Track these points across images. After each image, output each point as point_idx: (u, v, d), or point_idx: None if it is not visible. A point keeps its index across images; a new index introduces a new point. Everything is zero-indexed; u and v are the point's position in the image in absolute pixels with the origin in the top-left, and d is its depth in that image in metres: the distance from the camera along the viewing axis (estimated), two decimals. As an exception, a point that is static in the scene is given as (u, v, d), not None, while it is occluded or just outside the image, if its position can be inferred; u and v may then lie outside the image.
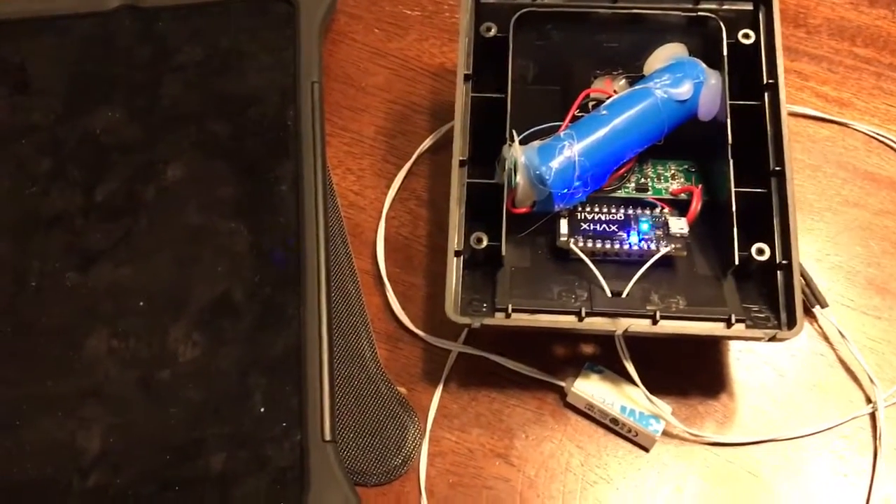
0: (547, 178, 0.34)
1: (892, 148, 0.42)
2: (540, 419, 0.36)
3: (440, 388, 0.37)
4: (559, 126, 0.37)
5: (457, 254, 0.34)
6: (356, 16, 0.47)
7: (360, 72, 0.45)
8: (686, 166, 0.38)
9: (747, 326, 0.33)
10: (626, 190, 0.38)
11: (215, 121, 0.41)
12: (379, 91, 0.44)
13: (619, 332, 0.33)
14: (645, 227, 0.36)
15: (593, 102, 0.38)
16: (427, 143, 0.42)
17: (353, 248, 0.40)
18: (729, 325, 0.33)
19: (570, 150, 0.35)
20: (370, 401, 0.36)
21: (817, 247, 0.40)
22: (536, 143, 0.36)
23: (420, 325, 0.38)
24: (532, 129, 0.37)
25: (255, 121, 0.41)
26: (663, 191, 0.38)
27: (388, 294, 0.39)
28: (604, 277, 0.34)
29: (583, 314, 0.33)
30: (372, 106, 0.44)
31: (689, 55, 0.38)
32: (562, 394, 0.36)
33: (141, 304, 0.37)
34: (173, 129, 0.41)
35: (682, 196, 0.37)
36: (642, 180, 0.38)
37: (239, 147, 0.41)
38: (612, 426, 0.35)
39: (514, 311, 0.33)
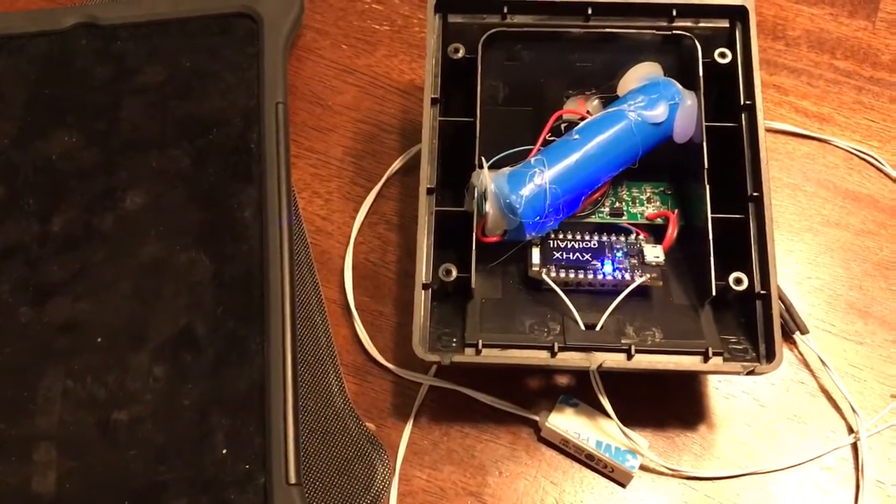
0: (517, 206, 0.33)
1: (873, 165, 0.41)
2: (514, 455, 0.35)
3: (410, 423, 0.35)
4: (530, 150, 0.36)
5: (425, 287, 0.33)
6: (323, 31, 0.45)
7: (327, 90, 0.43)
8: (662, 188, 0.37)
9: (725, 360, 0.32)
10: (601, 215, 0.36)
11: (176, 145, 0.40)
12: (347, 110, 0.43)
13: (594, 367, 0.32)
14: (619, 255, 0.35)
15: (565, 124, 0.37)
16: (396, 164, 0.41)
17: (320, 276, 0.38)
18: (706, 359, 0.32)
19: (541, 177, 0.34)
20: (337, 438, 0.35)
21: (797, 269, 0.39)
22: (507, 170, 0.34)
23: (390, 357, 0.37)
24: (502, 154, 0.36)
25: (218, 144, 0.40)
26: (638, 215, 0.36)
27: (356, 325, 0.37)
28: (577, 309, 0.33)
29: (555, 349, 0.32)
30: (340, 125, 0.43)
31: (664, 75, 0.37)
32: (536, 428, 0.35)
33: (99, 340, 0.35)
34: (133, 154, 0.40)
35: (658, 221, 0.36)
36: (617, 204, 0.37)
37: (200, 172, 0.39)
38: (588, 461, 0.34)
39: (484, 346, 0.32)
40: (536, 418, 0.35)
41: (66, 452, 0.33)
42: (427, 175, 0.34)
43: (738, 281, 0.33)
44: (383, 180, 0.41)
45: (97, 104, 0.41)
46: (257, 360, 0.35)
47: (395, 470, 0.35)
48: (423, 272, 0.33)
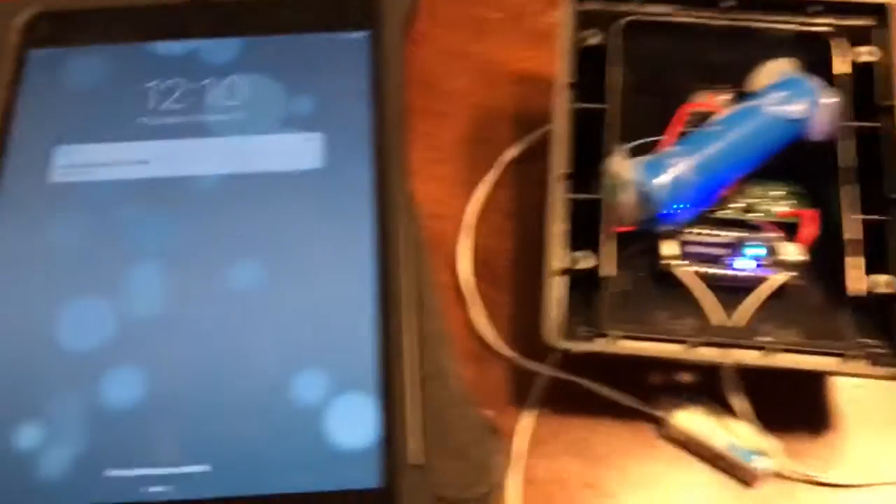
0: (655, 195, 0.33)
1: None
2: (634, 450, 0.34)
3: (529, 412, 0.35)
4: (658, 141, 0.35)
5: (558, 273, 0.32)
6: (435, 16, 0.45)
7: (439, 74, 0.43)
8: (796, 188, 0.36)
9: (864, 363, 0.31)
10: (734, 211, 0.36)
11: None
12: (460, 95, 0.42)
13: (729, 363, 0.31)
14: (755, 251, 0.34)
15: (695, 118, 0.36)
16: (513, 152, 0.40)
17: (433, 260, 0.38)
18: (845, 361, 0.31)
19: (681, 166, 0.33)
20: (453, 422, 0.34)
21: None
22: (644, 158, 0.34)
23: (506, 343, 0.36)
24: (632, 144, 0.35)
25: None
26: (772, 213, 0.36)
27: (471, 310, 0.37)
28: (710, 304, 0.32)
29: (691, 344, 0.31)
30: (452, 111, 0.42)
31: (800, 71, 0.36)
32: (658, 424, 0.34)
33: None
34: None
35: (793, 219, 0.35)
36: (750, 202, 0.36)
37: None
38: (714, 461, 0.33)
39: (617, 337, 0.32)
40: (660, 414, 0.34)
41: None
42: (560, 160, 0.34)
43: (880, 283, 0.32)
44: (500, 167, 0.40)
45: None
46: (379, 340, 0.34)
47: (514, 459, 0.34)
48: (555, 258, 0.32)
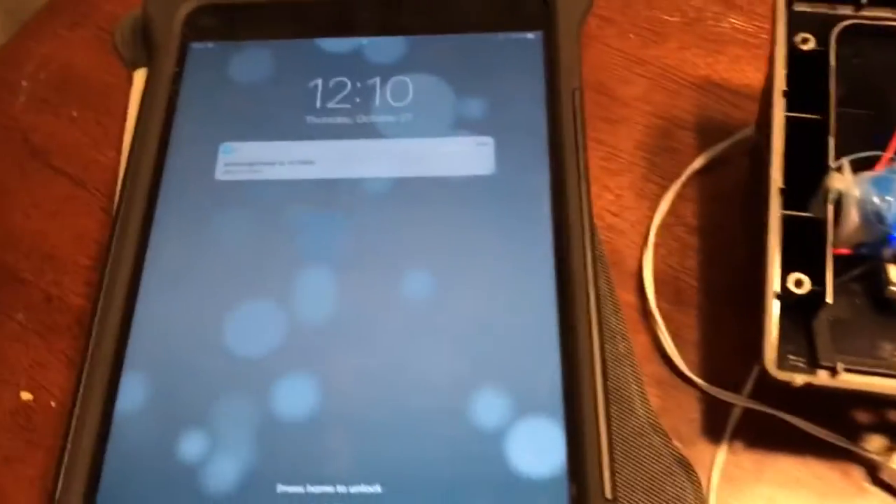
0: (886, 214, 0.29)
1: None
2: (843, 495, 0.31)
3: (722, 447, 0.32)
4: (880, 156, 0.32)
5: (777, 297, 0.29)
6: (608, 18, 0.42)
7: (614, 79, 0.41)
8: None
9: None
10: (963, 237, 0.32)
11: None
12: (636, 102, 0.40)
13: (970, 406, 0.28)
14: None
15: (910, 133, 0.33)
16: (697, 163, 0.38)
17: (613, 276, 0.35)
18: None
19: (914, 185, 0.30)
20: (642, 452, 0.32)
21: None
22: (869, 174, 0.31)
23: (694, 370, 0.33)
24: (852, 157, 0.32)
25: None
26: None
27: (658, 332, 0.34)
28: (943, 338, 0.29)
29: (927, 381, 0.28)
30: (629, 118, 0.40)
31: None
32: (870, 468, 0.31)
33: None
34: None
35: None
36: (982, 227, 0.32)
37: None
38: (937, 513, 0.30)
39: (842, 370, 0.29)
40: (873, 456, 0.31)
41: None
42: (777, 174, 0.31)
43: None
44: (682, 179, 0.37)
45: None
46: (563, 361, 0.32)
47: (708, 497, 0.31)
48: (774, 280, 0.30)
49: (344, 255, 0.35)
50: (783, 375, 0.28)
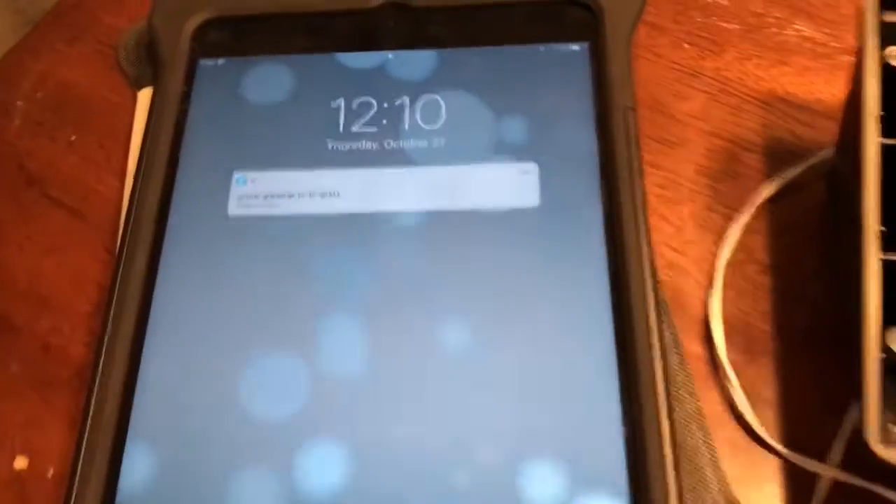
0: None
1: None
2: (951, 582, 0.27)
3: (809, 523, 0.28)
4: None
5: (880, 359, 0.25)
6: (659, 27, 0.38)
7: (669, 95, 0.37)
8: None
9: None
10: None
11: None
12: (694, 120, 0.36)
13: None
14: None
15: None
16: (766, 190, 0.34)
17: (676, 325, 0.32)
18: None
19: None
20: (717, 532, 0.28)
21: None
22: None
23: (772, 433, 0.30)
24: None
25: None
26: None
27: (729, 389, 0.30)
28: None
29: None
30: (688, 139, 0.36)
31: None
32: (982, 550, 0.27)
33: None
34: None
35: None
36: None
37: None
38: None
39: (960, 446, 0.25)
40: None
41: None
42: (873, 213, 0.27)
43: None
44: (751, 210, 0.33)
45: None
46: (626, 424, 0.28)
47: (795, 583, 0.27)
48: (874, 339, 0.26)
49: (374, 300, 0.31)
50: (889, 454, 0.24)
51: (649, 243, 0.31)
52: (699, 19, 0.38)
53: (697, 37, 0.38)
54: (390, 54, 0.36)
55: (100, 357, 0.30)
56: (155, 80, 0.37)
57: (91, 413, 0.29)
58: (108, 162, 0.37)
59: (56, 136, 0.38)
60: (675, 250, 0.33)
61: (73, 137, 0.38)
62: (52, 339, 0.33)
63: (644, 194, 0.32)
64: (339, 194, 0.33)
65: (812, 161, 0.33)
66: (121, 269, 0.32)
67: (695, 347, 0.31)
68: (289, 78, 0.36)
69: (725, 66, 0.37)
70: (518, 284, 0.31)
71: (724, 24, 0.38)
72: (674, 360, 0.31)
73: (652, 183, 0.34)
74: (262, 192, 0.33)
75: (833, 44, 0.37)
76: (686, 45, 0.38)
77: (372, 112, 0.35)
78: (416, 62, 0.36)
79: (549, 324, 0.30)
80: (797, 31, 0.37)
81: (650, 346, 0.29)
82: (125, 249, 0.32)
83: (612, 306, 0.30)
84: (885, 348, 0.26)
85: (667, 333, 0.31)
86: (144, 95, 0.38)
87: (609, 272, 0.31)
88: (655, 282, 0.30)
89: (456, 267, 0.31)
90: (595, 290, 0.30)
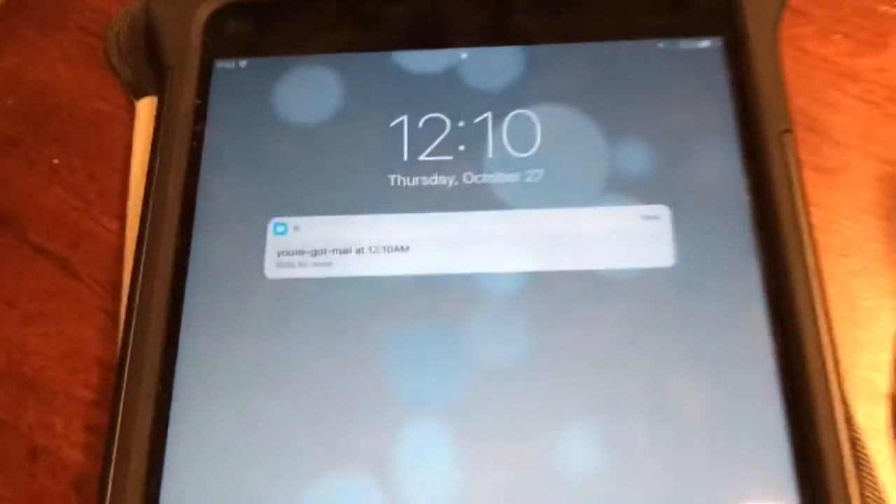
0: None
1: None
2: None
3: None
4: None
5: None
6: (802, 12, 0.30)
7: (818, 104, 0.29)
8: None
9: None
10: None
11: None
12: (855, 139, 0.28)
13: None
14: None
15: None
16: (963, 240, 0.26)
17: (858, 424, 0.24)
18: None
19: None
20: None
21: None
22: None
23: None
24: None
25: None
26: None
27: None
28: None
29: None
30: (848, 165, 0.28)
31: None
32: None
33: None
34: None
35: None
36: None
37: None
38: None
39: None
40: None
41: None
42: None
43: None
44: (948, 266, 0.26)
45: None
46: None
47: None
48: None
49: (463, 396, 0.23)
50: None
51: (830, 320, 0.23)
52: (853, 1, 0.30)
53: (853, 26, 0.29)
54: (465, 53, 0.28)
55: (108, 471, 0.23)
56: (158, 87, 0.28)
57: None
58: (103, 196, 0.29)
59: (34, 158, 0.30)
60: (852, 322, 0.26)
61: (56, 161, 0.30)
62: (39, 437, 0.26)
63: (815, 249, 0.24)
64: (408, 248, 0.25)
65: None
66: (131, 346, 0.24)
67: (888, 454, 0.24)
68: (333, 86, 0.28)
69: (891, 65, 0.29)
70: (653, 377, 0.23)
71: (887, 8, 0.30)
72: (871, 480, 0.23)
73: (809, 226, 0.27)
74: (307, 245, 0.26)
75: None
76: (838, 37, 0.29)
77: (444, 133, 0.27)
78: (499, 64, 0.28)
79: (700, 435, 0.23)
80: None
81: (841, 468, 0.22)
82: (134, 320, 0.24)
83: (785, 408, 0.23)
84: None
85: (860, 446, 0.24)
86: (145, 107, 0.29)
87: (777, 360, 0.23)
88: (840, 373, 0.23)
89: (568, 351, 0.24)
90: (759, 385, 0.23)
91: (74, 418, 0.26)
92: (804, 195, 0.25)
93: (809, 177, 0.27)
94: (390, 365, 0.24)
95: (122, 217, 0.28)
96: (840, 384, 0.23)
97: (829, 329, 0.23)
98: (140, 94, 0.30)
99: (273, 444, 0.23)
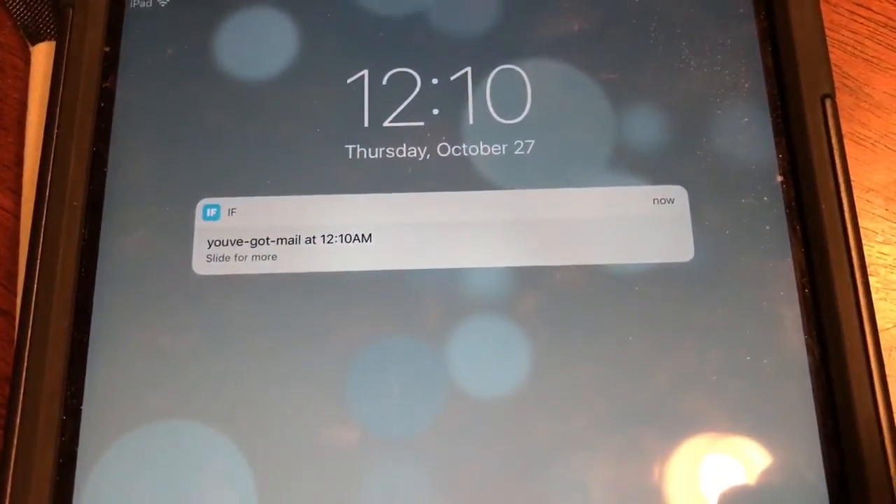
0: None
1: None
2: None
3: None
4: None
5: None
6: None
7: (856, 63, 0.24)
8: None
9: None
10: None
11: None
12: (901, 111, 0.24)
13: None
14: None
15: None
16: None
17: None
18: None
19: None
20: None
21: None
22: None
23: None
24: None
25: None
26: None
27: None
28: None
29: None
30: (892, 136, 0.23)
31: None
32: None
33: None
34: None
35: None
36: None
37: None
38: None
39: None
40: None
41: None
42: None
43: None
44: None
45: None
46: None
47: None
48: None
49: (441, 430, 0.19)
50: None
51: (874, 325, 0.19)
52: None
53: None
54: (438, -5, 0.23)
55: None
56: (58, 30, 0.23)
57: None
58: (-8, 164, 0.24)
59: None
60: (888, 331, 0.22)
61: (-66, 120, 0.24)
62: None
63: (858, 241, 0.20)
64: (370, 238, 0.21)
65: None
66: (27, 353, 0.19)
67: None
68: (277, 31, 0.23)
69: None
70: (673, 401, 0.19)
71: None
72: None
73: (845, 209, 0.23)
74: (245, 233, 0.21)
75: None
76: (883, -16, 0.25)
77: (414, 93, 0.22)
78: (482, 5, 0.23)
79: (731, 469, 0.19)
80: None
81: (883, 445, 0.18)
82: (30, 325, 0.20)
83: (822, 435, 0.19)
84: None
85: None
86: (43, 53, 0.24)
87: (815, 376, 0.19)
88: (886, 390, 0.19)
89: (566, 368, 0.20)
90: (795, 408, 0.19)
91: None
92: (846, 174, 0.21)
93: (847, 147, 0.23)
94: (351, 391, 0.19)
95: (17, 192, 0.23)
96: (886, 397, 0.19)
97: (876, 341, 0.19)
98: (37, 38, 0.24)
99: (209, 473, 0.19)
